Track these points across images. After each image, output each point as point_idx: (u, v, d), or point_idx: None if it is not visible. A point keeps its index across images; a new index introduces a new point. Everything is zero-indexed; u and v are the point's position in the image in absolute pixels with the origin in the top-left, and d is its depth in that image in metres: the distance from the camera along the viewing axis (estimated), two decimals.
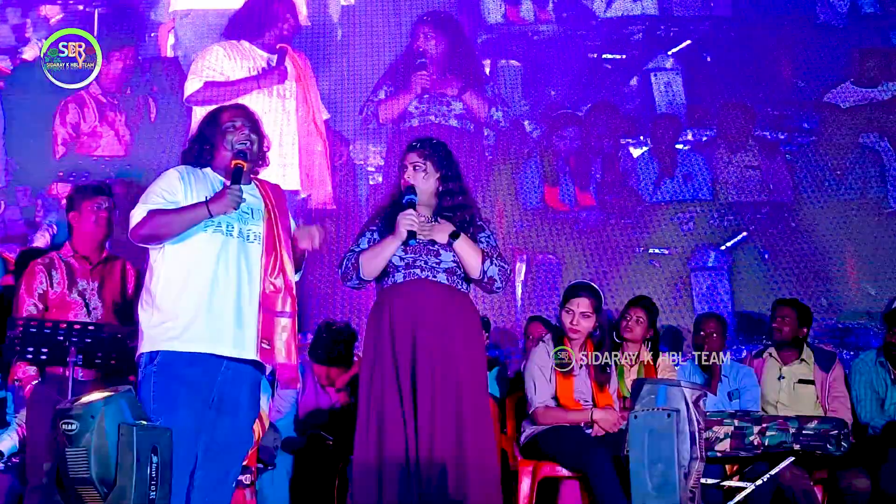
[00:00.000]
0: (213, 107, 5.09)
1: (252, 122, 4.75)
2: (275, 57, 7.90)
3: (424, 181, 5.02)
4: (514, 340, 7.87)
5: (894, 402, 6.59)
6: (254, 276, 4.56)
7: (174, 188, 4.58)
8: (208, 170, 4.70)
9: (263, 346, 4.53)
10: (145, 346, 4.52)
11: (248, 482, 5.76)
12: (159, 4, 8.94)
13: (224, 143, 4.67)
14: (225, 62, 7.87)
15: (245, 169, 4.59)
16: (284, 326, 4.58)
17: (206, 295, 4.48)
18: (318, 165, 8.02)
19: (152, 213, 4.51)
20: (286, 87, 7.92)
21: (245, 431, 4.66)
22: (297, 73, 7.93)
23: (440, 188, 5.06)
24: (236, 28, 8.10)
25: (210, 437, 4.51)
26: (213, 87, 7.78)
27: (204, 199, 4.53)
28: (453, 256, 4.96)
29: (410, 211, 4.90)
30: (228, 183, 4.56)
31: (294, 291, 4.65)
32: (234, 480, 4.70)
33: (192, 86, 7.88)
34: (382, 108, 8.22)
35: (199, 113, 7.28)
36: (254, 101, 7.26)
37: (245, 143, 4.66)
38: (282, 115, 7.89)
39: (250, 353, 4.53)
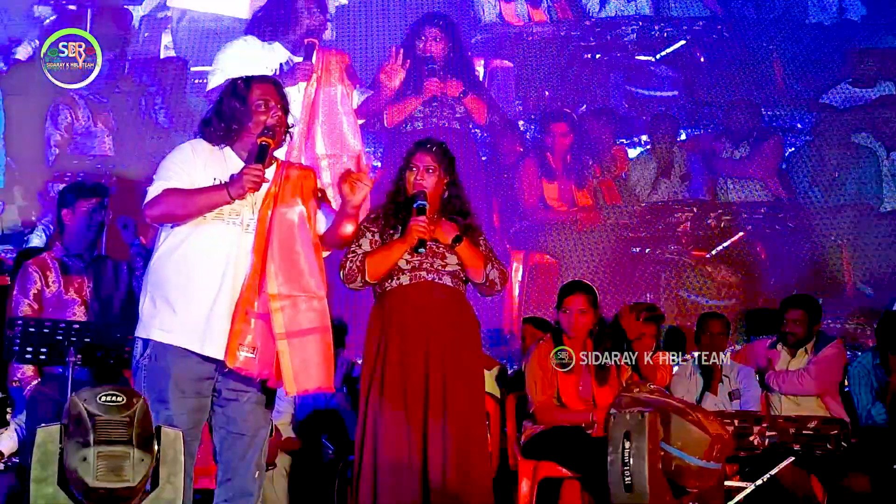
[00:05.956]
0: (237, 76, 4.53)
1: (284, 102, 4.34)
2: (295, 57, 7.67)
3: (435, 185, 5.00)
4: (512, 340, 7.87)
5: None
6: (242, 271, 4.16)
7: (190, 164, 4.21)
8: (228, 149, 4.29)
9: (244, 352, 4.11)
10: (139, 331, 4.25)
11: None
12: (151, 5, 8.91)
13: (252, 123, 4.25)
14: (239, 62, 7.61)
15: (271, 148, 4.22)
16: (277, 333, 4.13)
17: (191, 287, 4.15)
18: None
19: (168, 192, 4.15)
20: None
21: (256, 414, 4.29)
22: (321, 71, 7.68)
23: (445, 193, 5.05)
24: (260, 25, 7.86)
25: (221, 424, 4.27)
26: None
27: (223, 182, 4.16)
28: (457, 259, 4.96)
29: (423, 218, 4.85)
30: (252, 164, 4.16)
31: (310, 292, 4.21)
32: (255, 464, 4.30)
33: (214, 80, 7.60)
34: (389, 112, 8.13)
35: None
36: None
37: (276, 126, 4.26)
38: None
39: (217, 353, 4.14)
